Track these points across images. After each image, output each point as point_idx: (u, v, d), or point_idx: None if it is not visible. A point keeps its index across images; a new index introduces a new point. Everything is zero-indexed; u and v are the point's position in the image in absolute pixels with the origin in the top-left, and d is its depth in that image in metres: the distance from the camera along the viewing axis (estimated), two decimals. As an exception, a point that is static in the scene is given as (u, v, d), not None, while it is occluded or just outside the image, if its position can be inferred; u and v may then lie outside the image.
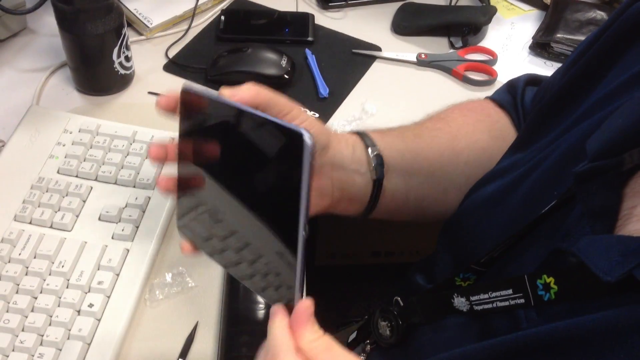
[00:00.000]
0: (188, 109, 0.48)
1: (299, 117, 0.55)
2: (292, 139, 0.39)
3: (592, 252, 0.41)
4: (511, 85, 0.74)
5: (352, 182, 0.61)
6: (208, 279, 0.67)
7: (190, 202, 0.50)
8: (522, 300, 0.46)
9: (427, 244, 1.11)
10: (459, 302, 0.52)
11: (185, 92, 0.47)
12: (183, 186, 0.50)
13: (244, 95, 0.50)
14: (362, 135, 0.63)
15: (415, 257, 1.22)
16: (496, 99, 0.72)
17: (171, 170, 0.51)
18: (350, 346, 0.72)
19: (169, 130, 0.77)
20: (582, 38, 0.91)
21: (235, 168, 0.45)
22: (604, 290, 0.40)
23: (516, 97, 0.71)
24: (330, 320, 0.77)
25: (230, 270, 0.49)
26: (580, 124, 0.52)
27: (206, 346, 0.62)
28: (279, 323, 0.43)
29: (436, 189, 0.66)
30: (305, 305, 0.43)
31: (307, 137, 0.38)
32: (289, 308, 0.43)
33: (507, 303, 0.47)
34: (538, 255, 0.47)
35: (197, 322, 0.63)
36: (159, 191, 0.53)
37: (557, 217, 0.48)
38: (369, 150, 0.61)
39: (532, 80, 0.72)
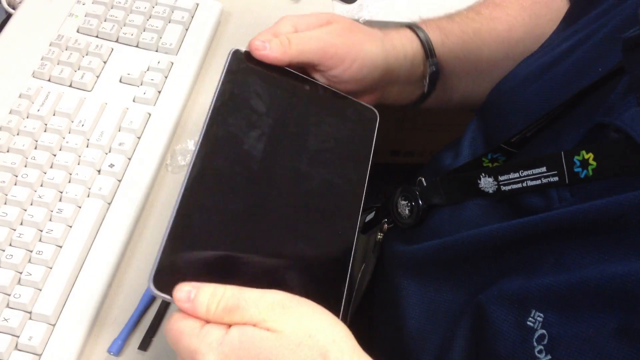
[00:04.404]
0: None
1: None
2: None
3: (637, 124, 0.38)
4: None
5: (401, 92, 0.61)
6: (231, 149, 0.64)
7: None
8: (556, 178, 0.43)
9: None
10: (486, 182, 0.49)
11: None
12: None
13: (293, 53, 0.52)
14: (423, 41, 0.60)
15: (436, 158, 1.20)
16: None
17: None
18: (368, 226, 0.71)
19: (194, -5, 0.73)
20: None
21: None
22: None
23: None
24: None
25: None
26: None
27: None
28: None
29: (484, 86, 0.63)
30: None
31: None
32: None
33: (538, 182, 0.44)
34: (576, 133, 0.44)
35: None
36: None
37: (599, 94, 0.44)
38: (428, 63, 0.59)
39: None
